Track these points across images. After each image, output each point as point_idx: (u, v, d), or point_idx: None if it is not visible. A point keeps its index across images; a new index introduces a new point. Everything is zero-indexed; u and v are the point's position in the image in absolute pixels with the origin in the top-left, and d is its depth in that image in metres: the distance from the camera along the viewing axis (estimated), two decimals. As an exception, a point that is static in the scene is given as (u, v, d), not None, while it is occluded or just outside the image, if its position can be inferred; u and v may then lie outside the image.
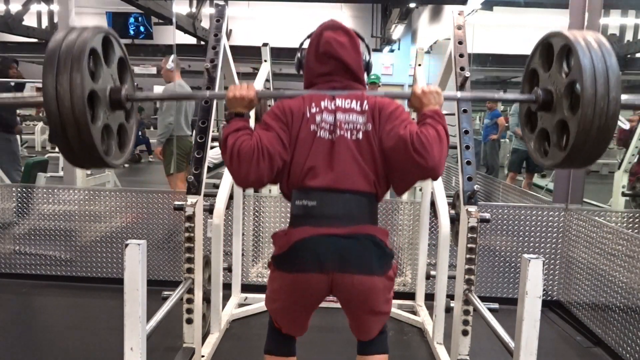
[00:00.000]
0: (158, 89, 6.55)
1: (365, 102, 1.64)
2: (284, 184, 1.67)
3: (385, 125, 1.60)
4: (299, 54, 1.85)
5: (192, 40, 12.55)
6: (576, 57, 1.43)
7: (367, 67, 1.79)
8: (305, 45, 1.78)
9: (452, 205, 2.49)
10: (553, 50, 1.57)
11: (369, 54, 1.83)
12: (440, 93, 1.65)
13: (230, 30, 12.80)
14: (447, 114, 1.76)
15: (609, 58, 1.42)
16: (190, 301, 2.31)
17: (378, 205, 1.70)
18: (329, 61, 1.68)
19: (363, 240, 1.59)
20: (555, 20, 7.96)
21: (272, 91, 1.54)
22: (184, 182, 4.76)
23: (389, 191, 1.72)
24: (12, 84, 5.64)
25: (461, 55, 2.44)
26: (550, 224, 3.34)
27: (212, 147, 2.66)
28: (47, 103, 1.37)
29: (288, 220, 1.71)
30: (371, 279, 1.59)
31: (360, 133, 1.61)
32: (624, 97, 1.45)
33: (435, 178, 1.62)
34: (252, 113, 1.90)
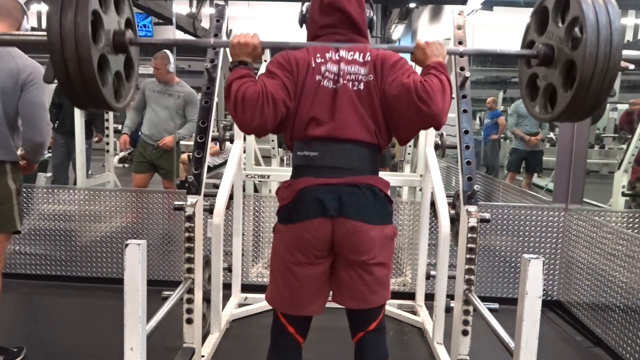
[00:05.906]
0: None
1: (368, 54, 1.66)
2: (288, 134, 1.68)
3: (388, 76, 1.62)
4: (302, 8, 1.86)
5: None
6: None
7: (370, 23, 1.82)
8: None
9: (452, 205, 2.48)
10: (548, 12, 1.59)
11: (373, 12, 1.85)
12: (443, 45, 1.68)
13: (230, 30, 12.77)
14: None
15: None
16: (190, 301, 2.31)
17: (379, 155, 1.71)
18: (334, 13, 1.68)
19: (363, 189, 1.61)
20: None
21: (276, 41, 1.51)
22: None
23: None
24: None
25: (461, 55, 2.44)
26: (550, 224, 3.34)
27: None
28: (50, 36, 1.34)
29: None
30: (366, 227, 1.59)
31: (362, 84, 1.63)
32: (625, 52, 1.48)
33: (438, 127, 1.61)
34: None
